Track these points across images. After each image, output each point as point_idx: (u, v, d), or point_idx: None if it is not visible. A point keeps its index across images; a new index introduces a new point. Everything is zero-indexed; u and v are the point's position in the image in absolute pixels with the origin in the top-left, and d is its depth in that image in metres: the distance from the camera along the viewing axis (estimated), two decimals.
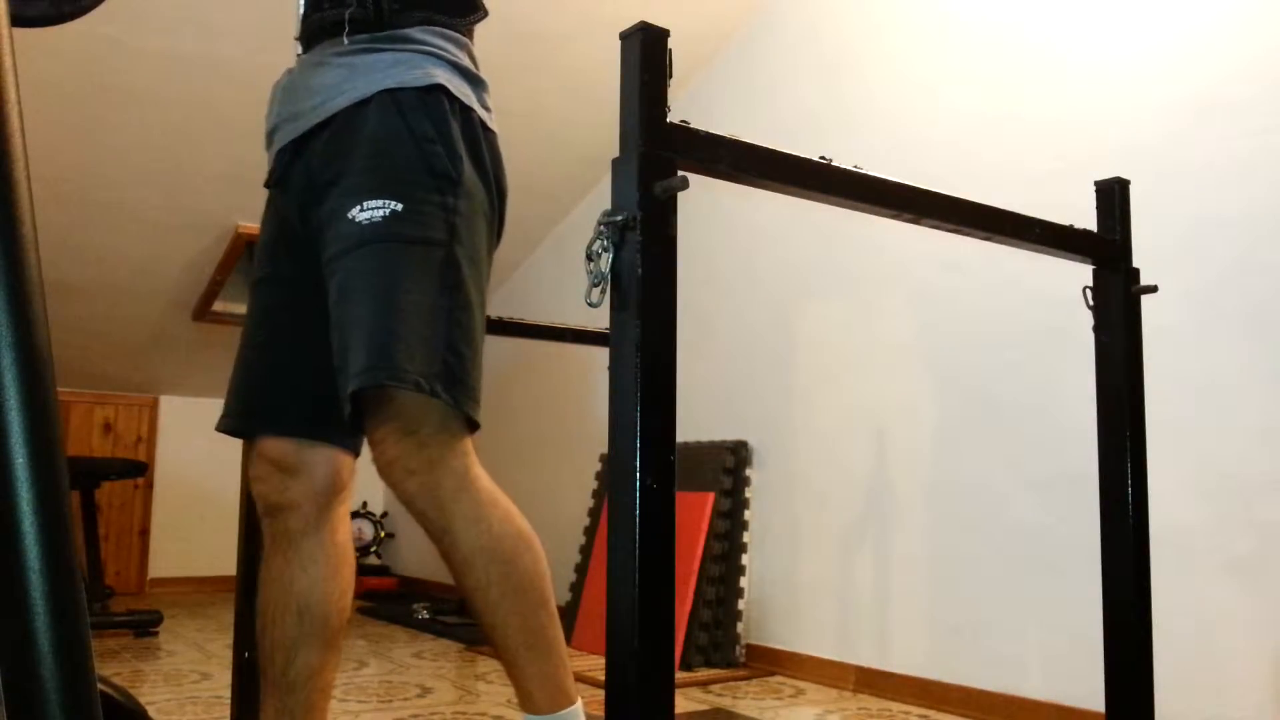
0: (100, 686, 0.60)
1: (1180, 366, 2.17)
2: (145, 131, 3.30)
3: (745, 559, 3.13)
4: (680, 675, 2.80)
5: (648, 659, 0.92)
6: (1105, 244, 1.47)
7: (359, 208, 1.33)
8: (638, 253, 0.95)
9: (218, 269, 3.97)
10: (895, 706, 2.59)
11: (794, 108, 3.23)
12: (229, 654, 2.72)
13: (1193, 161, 2.21)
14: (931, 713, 2.53)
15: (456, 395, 1.31)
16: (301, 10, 1.50)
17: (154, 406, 4.77)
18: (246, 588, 1.94)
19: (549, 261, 4.26)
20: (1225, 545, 2.08)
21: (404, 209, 1.32)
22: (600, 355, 3.05)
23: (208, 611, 4.13)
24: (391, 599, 4.49)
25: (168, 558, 4.72)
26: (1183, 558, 2.13)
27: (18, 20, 0.66)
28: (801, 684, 2.86)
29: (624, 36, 1.01)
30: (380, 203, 1.32)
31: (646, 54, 1.00)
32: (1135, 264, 1.48)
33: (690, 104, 3.53)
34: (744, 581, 3.10)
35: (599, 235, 0.97)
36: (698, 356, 3.41)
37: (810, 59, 3.21)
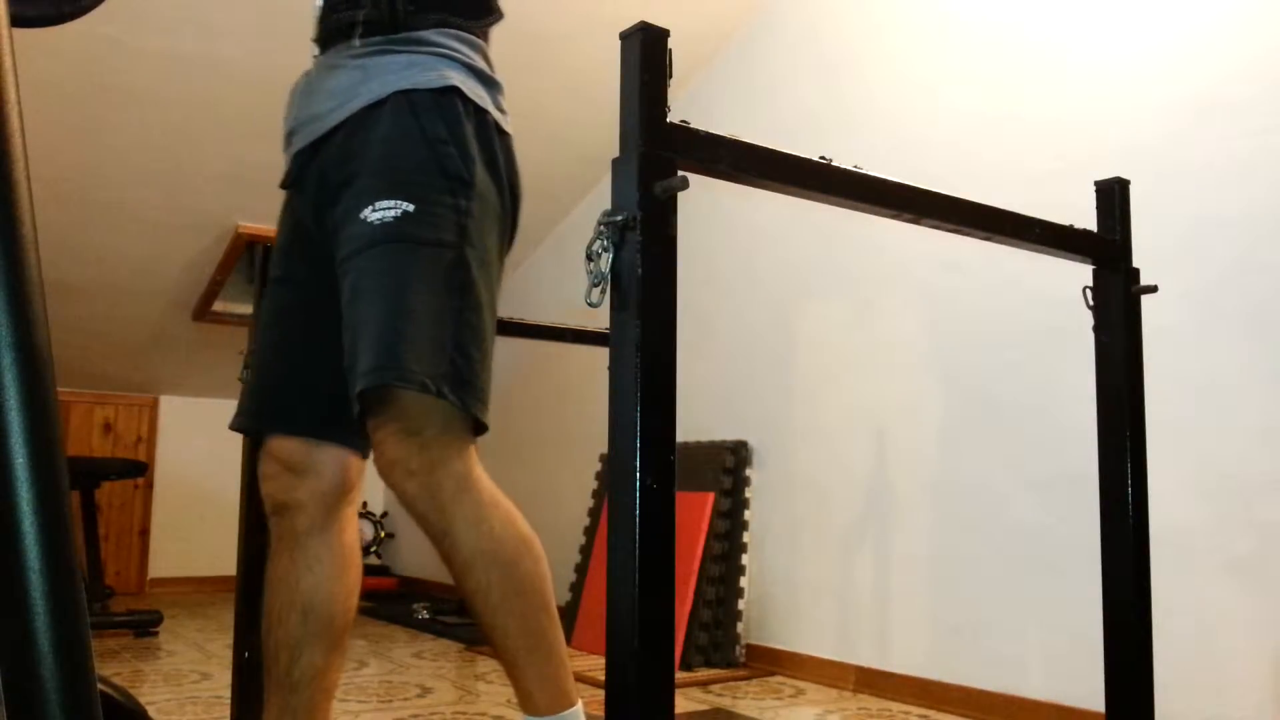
0: (100, 686, 0.60)
1: (1180, 366, 2.16)
2: (145, 131, 3.30)
3: (745, 559, 3.13)
4: (680, 675, 2.80)
5: (648, 659, 0.92)
6: (1105, 244, 1.47)
7: (371, 208, 1.33)
8: (638, 253, 0.95)
9: (218, 269, 3.97)
10: (895, 706, 2.59)
11: (794, 108, 3.23)
12: (229, 654, 2.72)
13: (1193, 161, 2.21)
14: (931, 713, 2.52)
15: (463, 397, 1.31)
16: (318, 13, 1.50)
17: (154, 406, 4.77)
18: (246, 588, 1.94)
19: (549, 261, 4.25)
20: (1225, 545, 2.08)
21: (415, 210, 1.32)
22: (600, 355, 3.05)
23: (208, 611, 4.13)
24: (391, 599, 4.49)
25: (168, 558, 4.72)
26: (1183, 558, 2.13)
27: (18, 20, 0.66)
28: (801, 684, 2.86)
29: (624, 36, 1.01)
30: (392, 203, 1.33)
31: (646, 54, 1.00)
32: (1135, 264, 1.48)
33: (690, 104, 3.53)
34: (744, 581, 3.10)
35: (599, 235, 0.97)
36: (698, 356, 3.41)
37: (810, 59, 3.21)
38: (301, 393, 1.44)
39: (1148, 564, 1.43)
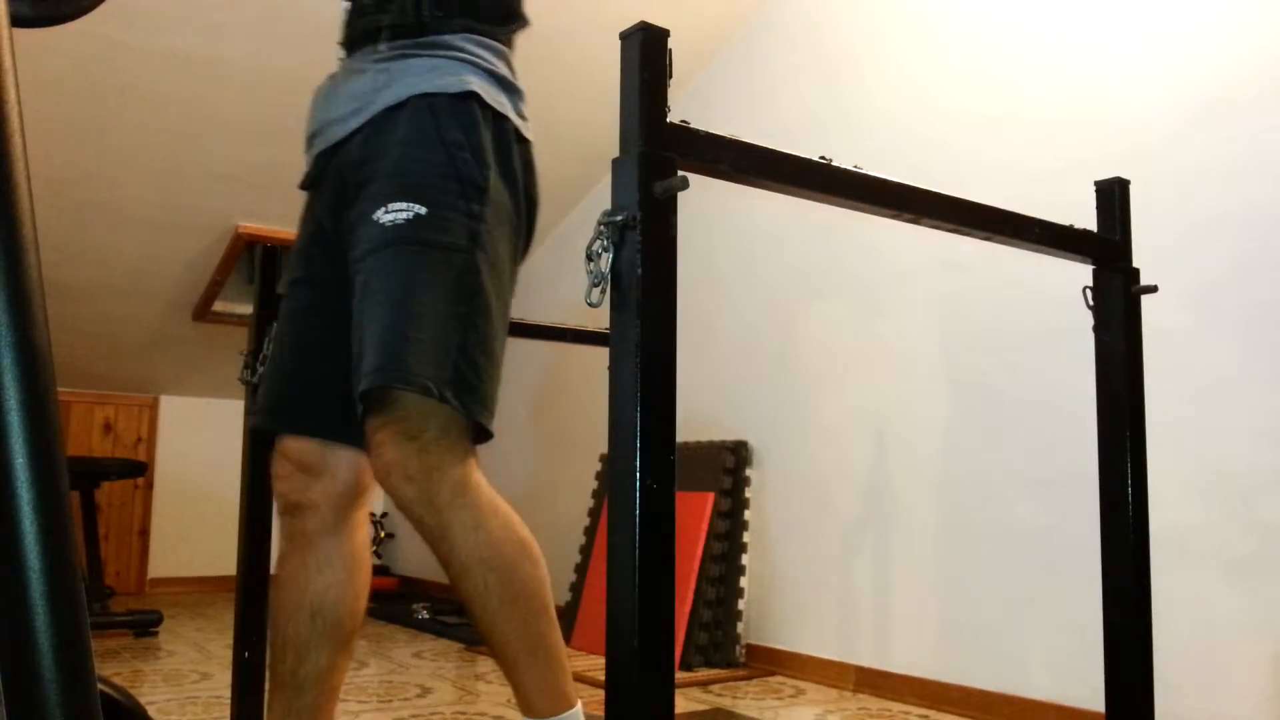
0: (100, 686, 0.60)
1: (1180, 366, 2.17)
2: (145, 131, 3.30)
3: (745, 559, 3.13)
4: (680, 675, 2.80)
5: (648, 659, 0.92)
6: (1105, 244, 1.47)
7: (384, 210, 1.34)
8: (638, 253, 0.95)
9: (218, 269, 3.97)
10: (895, 706, 2.59)
11: (794, 108, 3.23)
12: (229, 654, 2.72)
13: (1193, 161, 2.21)
14: (932, 713, 2.53)
15: (467, 402, 1.31)
16: (345, 17, 1.51)
17: (154, 406, 4.77)
18: (246, 588, 1.94)
19: (549, 261, 4.26)
20: (1225, 545, 2.08)
21: (428, 213, 1.33)
22: (600, 355, 3.05)
23: (208, 611, 4.13)
24: (391, 599, 4.49)
25: (168, 558, 4.72)
26: (1183, 558, 2.13)
27: (18, 20, 0.66)
28: (801, 684, 2.86)
29: (624, 36, 1.01)
30: (405, 206, 1.33)
31: (647, 54, 1.00)
32: (1135, 264, 1.48)
33: (690, 104, 3.53)
34: (744, 581, 3.10)
35: (599, 235, 0.97)
36: (698, 356, 3.41)
37: (810, 59, 3.21)
38: (317, 393, 1.44)
39: (1148, 564, 1.43)
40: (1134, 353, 1.45)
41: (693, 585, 3.06)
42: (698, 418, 3.37)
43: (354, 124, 1.42)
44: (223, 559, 4.65)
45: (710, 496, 3.14)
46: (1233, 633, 2.05)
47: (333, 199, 1.44)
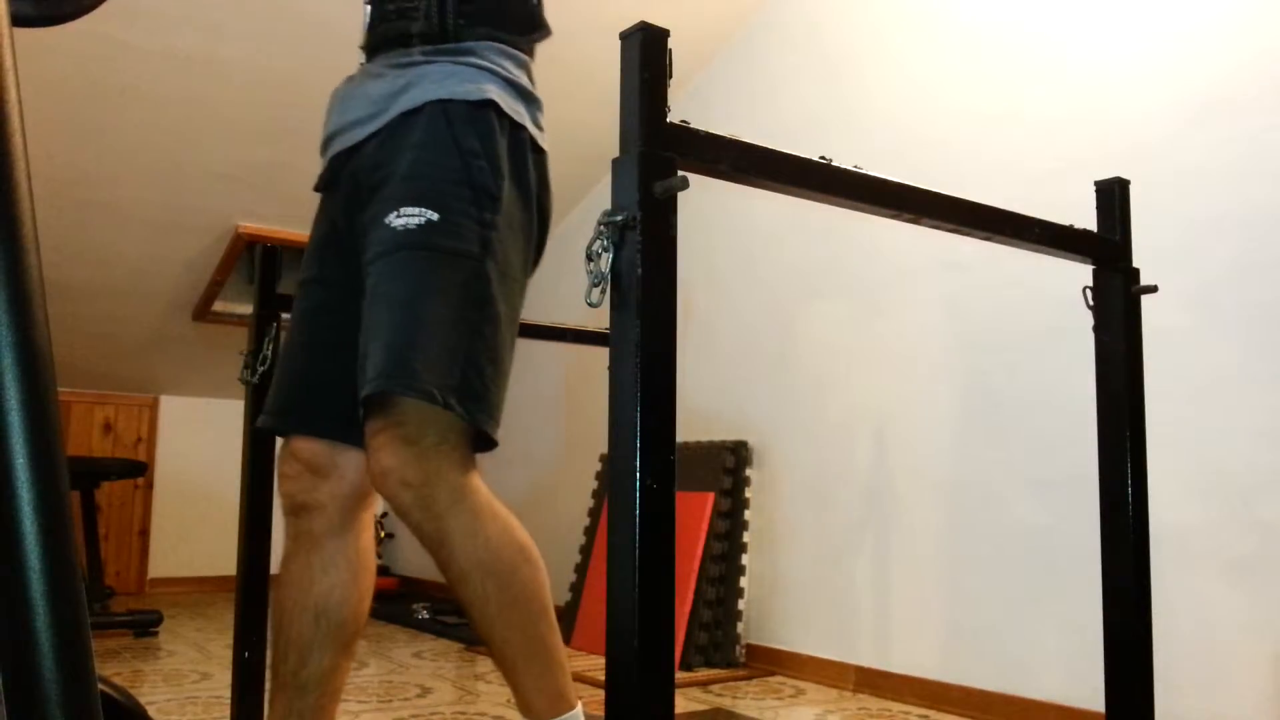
0: (100, 686, 0.60)
1: (1180, 366, 2.17)
2: (145, 131, 3.30)
3: (745, 559, 3.13)
4: (680, 675, 2.80)
5: (648, 659, 0.92)
6: (1105, 244, 1.47)
7: (396, 213, 1.33)
8: (638, 253, 0.95)
9: (218, 269, 3.97)
10: (895, 706, 2.59)
11: (794, 108, 3.23)
12: (229, 654, 2.72)
13: (1193, 161, 2.21)
14: (932, 713, 2.53)
15: (472, 410, 1.30)
16: (367, 21, 1.50)
17: (154, 406, 4.77)
18: (246, 588, 1.94)
19: (549, 261, 4.23)
20: (1225, 545, 2.08)
21: (439, 219, 1.32)
22: (600, 355, 3.05)
23: (208, 611, 4.13)
24: (391, 599, 4.49)
25: (168, 558, 4.72)
26: (1183, 558, 2.13)
27: (18, 20, 0.66)
28: (801, 684, 2.86)
29: (624, 36, 1.01)
30: (417, 211, 1.33)
31: (647, 54, 1.00)
32: (1135, 264, 1.48)
33: (690, 104, 3.53)
34: (744, 581, 3.10)
35: (599, 235, 0.97)
36: (698, 356, 3.41)
37: (810, 59, 3.21)
38: (327, 394, 1.44)
39: (1148, 564, 1.43)
40: (1134, 353, 1.46)
41: (693, 585, 3.06)
42: (698, 418, 3.37)
43: (371, 128, 1.42)
44: (223, 559, 4.65)
45: (710, 496, 3.14)
46: (1233, 633, 2.05)
47: (347, 201, 1.44)
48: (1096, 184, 1.52)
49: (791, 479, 3.08)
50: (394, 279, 1.32)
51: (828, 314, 3.04)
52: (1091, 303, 1.48)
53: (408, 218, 1.33)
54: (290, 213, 3.72)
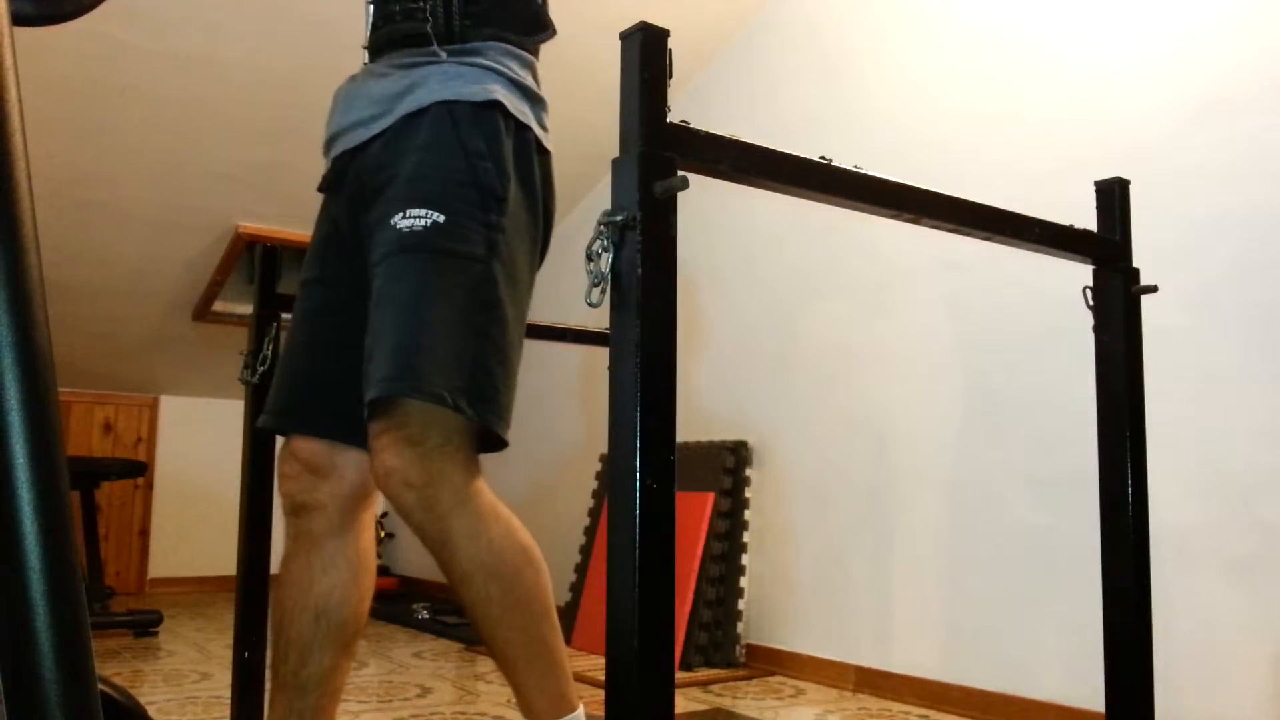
0: (100, 686, 0.60)
1: (1180, 366, 2.17)
2: (145, 131, 3.30)
3: (745, 559, 3.13)
4: (680, 675, 2.80)
5: (648, 659, 0.92)
6: (1105, 244, 1.47)
7: (402, 215, 1.33)
8: (638, 253, 0.95)
9: (218, 269, 3.97)
10: (895, 706, 2.59)
11: (794, 108, 3.23)
12: (229, 654, 2.72)
13: (1193, 161, 2.21)
14: (931, 713, 2.53)
15: (483, 412, 1.30)
16: (370, 21, 1.50)
17: (154, 406, 4.77)
18: (246, 588, 1.94)
19: (549, 261, 4.24)
20: (1225, 545, 2.08)
21: (445, 221, 1.32)
22: (600, 355, 3.05)
23: (208, 611, 4.13)
24: (391, 599, 4.49)
25: (168, 558, 4.72)
26: (1183, 558, 2.13)
27: (18, 19, 0.66)
28: (801, 684, 2.86)
29: (624, 36, 1.01)
30: (423, 212, 1.32)
31: (647, 54, 1.00)
32: (1135, 264, 1.48)
33: (690, 104, 3.53)
34: (744, 581, 3.10)
35: (599, 235, 0.97)
36: (698, 356, 3.41)
37: (810, 59, 3.21)
38: (329, 395, 1.44)
39: (1148, 564, 1.43)
40: (1134, 353, 1.46)
41: (693, 585, 3.06)
42: (698, 418, 3.37)
43: (375, 128, 1.41)
44: (223, 559, 4.65)
45: (710, 496, 3.14)
46: (1233, 633, 2.05)
47: (350, 202, 1.44)
48: (1096, 184, 1.52)
49: (791, 479, 3.08)
50: (400, 281, 1.32)
51: (828, 314, 3.04)
52: (1091, 303, 1.48)
53: (414, 219, 1.32)
54: (290, 213, 3.72)
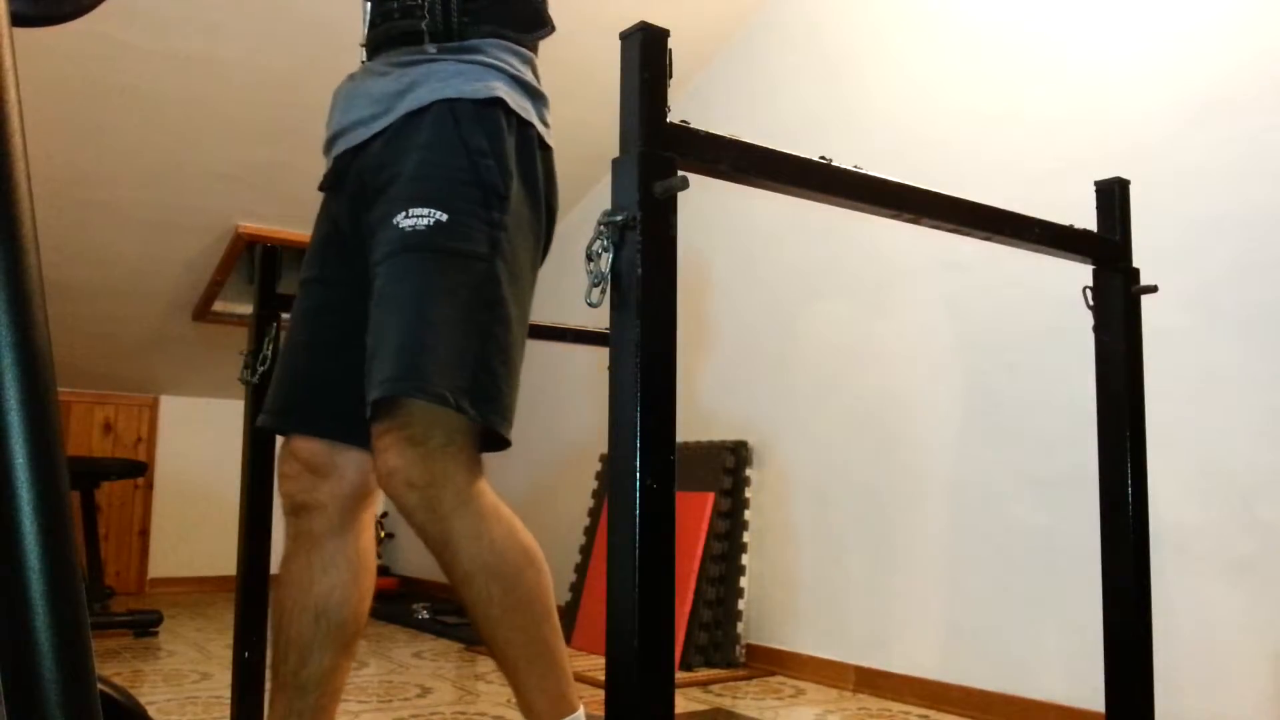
0: (100, 686, 0.60)
1: (1180, 366, 2.17)
2: (145, 131, 3.30)
3: (745, 559, 3.13)
4: (680, 675, 2.80)
5: (648, 659, 0.92)
6: (1105, 244, 1.47)
7: (404, 214, 1.33)
8: (638, 253, 0.95)
9: (218, 269, 3.97)
10: (895, 706, 2.59)
11: (794, 107, 3.23)
12: (229, 654, 2.72)
13: (1193, 161, 2.21)
14: (931, 713, 2.53)
15: (486, 412, 1.30)
16: (368, 19, 1.49)
17: (154, 406, 4.77)
18: (246, 588, 1.94)
19: (549, 261, 4.24)
20: (1225, 545, 2.08)
21: (448, 220, 1.32)
22: (600, 355, 3.05)
23: (208, 611, 4.13)
24: (391, 599, 4.49)
25: (168, 558, 4.72)
26: (1183, 558, 2.13)
27: (18, 20, 0.66)
28: (801, 684, 2.86)
29: (624, 36, 1.01)
30: (426, 211, 1.32)
31: (647, 54, 1.00)
32: (1135, 264, 1.48)
33: (690, 104, 3.53)
34: (744, 581, 3.10)
35: (599, 235, 0.97)
36: (698, 356, 3.41)
37: (811, 59, 3.21)
38: (329, 394, 1.43)
39: (1148, 564, 1.43)
40: (1134, 353, 1.45)
41: (693, 585, 3.06)
42: (698, 418, 3.37)
43: (376, 127, 1.41)
44: (223, 559, 4.65)
45: (710, 496, 3.14)
46: (1233, 633, 2.05)
47: (352, 201, 1.44)
48: (1096, 184, 1.52)
49: (791, 479, 3.08)
50: (402, 280, 1.31)
51: (828, 314, 3.04)
52: (1091, 303, 1.48)
53: (416, 218, 1.32)
54: (290, 213, 3.72)
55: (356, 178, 1.43)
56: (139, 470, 3.79)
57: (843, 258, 3.00)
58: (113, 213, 3.60)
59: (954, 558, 2.60)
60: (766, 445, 3.18)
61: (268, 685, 1.55)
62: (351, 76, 1.51)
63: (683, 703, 2.55)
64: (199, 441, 4.75)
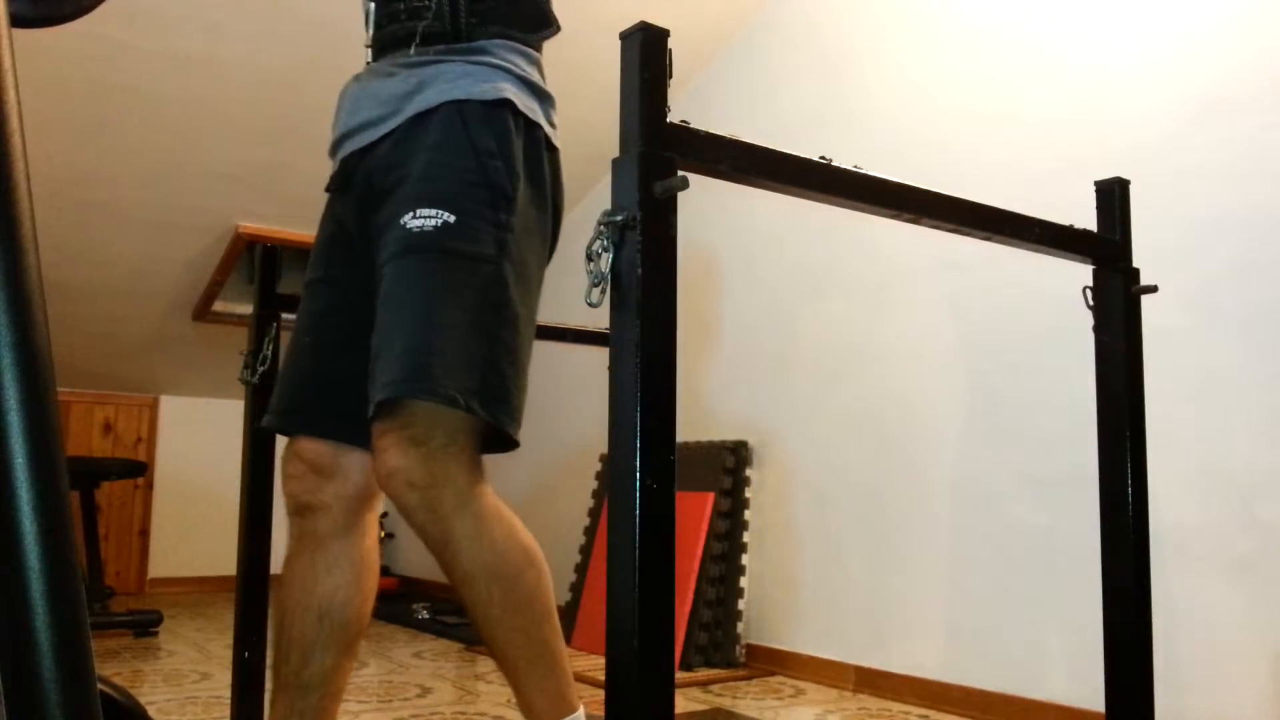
0: (100, 686, 0.60)
1: (1180, 366, 2.17)
2: (145, 131, 3.30)
3: (745, 559, 3.13)
4: (680, 675, 2.80)
5: (648, 659, 0.92)
6: (1105, 244, 1.47)
7: (412, 215, 1.33)
8: (638, 253, 0.95)
9: (218, 269, 3.97)
10: (895, 706, 2.59)
11: (794, 107, 3.23)
12: (229, 654, 2.72)
13: (1193, 161, 2.21)
14: (931, 713, 2.53)
15: (494, 412, 1.30)
16: (373, 20, 1.49)
17: (154, 406, 4.77)
18: (246, 588, 1.94)
19: (550, 261, 4.24)
20: (1225, 545, 2.08)
21: (456, 221, 1.32)
22: (600, 355, 3.05)
23: (208, 611, 4.13)
24: (391, 599, 4.49)
25: (168, 558, 4.72)
26: (1183, 558, 2.13)
27: (17, 20, 0.66)
28: (801, 684, 2.86)
29: (624, 36, 1.01)
30: (433, 213, 1.32)
31: (647, 54, 1.00)
32: (1135, 264, 1.48)
33: (690, 104, 3.53)
34: (744, 581, 3.10)
35: (599, 235, 0.97)
36: (698, 356, 3.41)
37: (811, 59, 3.21)
38: (334, 395, 1.43)
39: (1148, 564, 1.43)
40: (1134, 353, 1.45)
41: (693, 585, 3.06)
42: (698, 417, 3.37)
43: (384, 129, 1.40)
44: (223, 559, 4.65)
45: (710, 496, 3.14)
46: (1233, 632, 2.05)
47: (359, 203, 1.43)
48: (1096, 184, 1.52)
49: (791, 479, 3.08)
50: (409, 282, 1.31)
51: (828, 314, 3.04)
52: (1091, 303, 1.48)
53: (424, 220, 1.32)
54: (290, 213, 3.72)
55: (364, 179, 1.42)
56: (139, 470, 3.79)
57: (843, 258, 3.00)
58: (113, 213, 3.60)
59: (954, 558, 2.60)
60: (767, 445, 3.18)
61: (268, 685, 1.55)
62: (358, 78, 1.50)
63: (683, 703, 2.55)
64: (199, 441, 4.75)
